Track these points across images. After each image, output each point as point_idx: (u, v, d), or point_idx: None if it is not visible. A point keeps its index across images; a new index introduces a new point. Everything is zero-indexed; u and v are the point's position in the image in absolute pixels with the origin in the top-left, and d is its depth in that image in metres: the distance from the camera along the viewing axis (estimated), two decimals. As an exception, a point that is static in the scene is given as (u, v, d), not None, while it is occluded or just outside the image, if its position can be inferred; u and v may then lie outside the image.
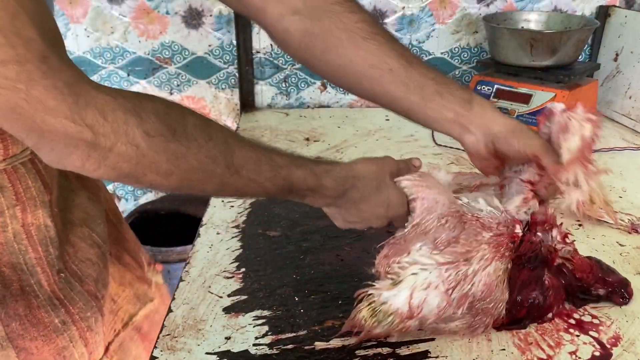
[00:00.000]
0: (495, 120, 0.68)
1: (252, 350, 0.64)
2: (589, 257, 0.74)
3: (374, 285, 0.62)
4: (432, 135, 1.27)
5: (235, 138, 0.56)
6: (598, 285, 0.71)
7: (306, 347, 0.65)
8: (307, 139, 1.29)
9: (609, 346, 0.65)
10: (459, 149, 1.09)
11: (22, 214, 0.64)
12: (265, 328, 0.68)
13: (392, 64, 0.67)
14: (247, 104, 1.49)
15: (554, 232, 0.68)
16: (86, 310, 0.70)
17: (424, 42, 1.49)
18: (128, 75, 1.46)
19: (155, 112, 0.49)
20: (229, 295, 0.74)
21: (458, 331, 0.65)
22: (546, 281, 0.67)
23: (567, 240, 0.70)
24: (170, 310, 0.71)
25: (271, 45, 1.47)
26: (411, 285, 0.61)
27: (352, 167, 0.63)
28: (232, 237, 0.88)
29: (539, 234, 0.67)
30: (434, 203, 0.64)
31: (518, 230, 0.65)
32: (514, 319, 0.66)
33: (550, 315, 0.68)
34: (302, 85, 1.52)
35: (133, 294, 0.83)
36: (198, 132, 0.52)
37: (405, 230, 0.64)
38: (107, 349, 0.75)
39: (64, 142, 0.46)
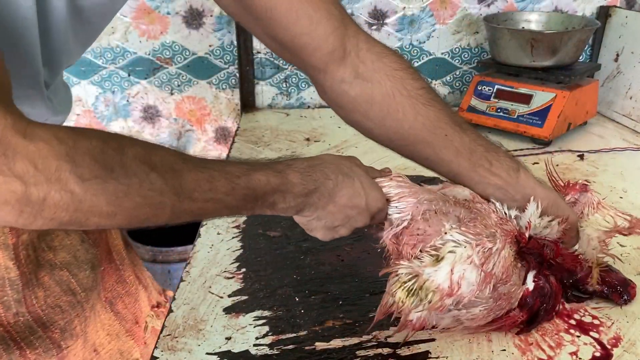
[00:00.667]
0: (537, 191, 0.69)
1: (253, 351, 0.64)
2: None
3: (405, 265, 0.62)
4: (433, 136, 1.26)
5: (182, 162, 0.52)
6: (589, 280, 0.71)
7: (307, 348, 0.65)
8: (308, 139, 1.29)
9: (609, 347, 0.65)
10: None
11: None
12: (266, 328, 0.68)
13: (447, 130, 0.69)
14: (248, 104, 1.49)
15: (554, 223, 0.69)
16: (44, 358, 0.68)
17: (424, 42, 1.49)
18: (129, 75, 1.46)
19: (90, 153, 0.46)
20: (229, 296, 0.74)
21: (479, 317, 0.64)
22: (547, 273, 0.67)
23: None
24: (170, 311, 0.71)
25: (272, 45, 1.47)
26: (452, 261, 0.61)
27: (316, 156, 0.61)
28: (233, 237, 0.88)
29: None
30: (434, 197, 0.65)
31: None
32: (531, 311, 0.66)
33: (558, 307, 0.68)
34: (303, 86, 1.52)
35: (118, 348, 0.79)
36: (138, 165, 0.48)
37: (402, 215, 0.65)
38: None
39: None
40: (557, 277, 0.68)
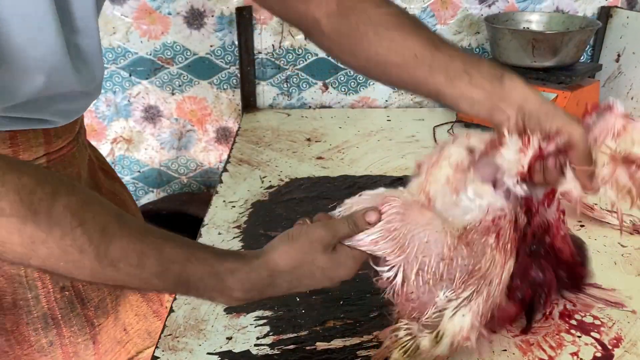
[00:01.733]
0: (529, 99, 0.64)
1: (254, 351, 0.64)
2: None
3: (405, 326, 0.60)
4: (434, 136, 1.27)
5: (118, 226, 0.49)
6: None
7: (307, 348, 0.65)
8: (309, 140, 1.29)
9: (610, 347, 0.65)
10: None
11: None
12: (267, 328, 0.68)
13: (416, 50, 0.67)
14: (249, 104, 1.49)
15: (553, 208, 0.66)
16: (78, 336, 0.69)
17: (425, 42, 1.49)
18: (130, 75, 1.46)
19: (17, 190, 0.44)
20: (230, 296, 0.74)
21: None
22: (541, 260, 0.65)
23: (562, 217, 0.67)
24: (172, 311, 0.71)
25: (272, 45, 1.47)
26: (452, 334, 0.59)
27: (267, 262, 0.55)
28: (234, 238, 0.88)
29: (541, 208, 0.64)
30: (424, 247, 0.58)
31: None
32: (523, 302, 0.64)
33: (554, 296, 0.67)
34: (304, 86, 1.52)
35: (145, 329, 0.81)
36: (66, 216, 0.45)
37: (392, 273, 0.60)
38: None
39: None
40: (552, 267, 0.67)
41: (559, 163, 0.61)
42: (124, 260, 0.48)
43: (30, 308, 0.65)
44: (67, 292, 0.67)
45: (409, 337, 0.59)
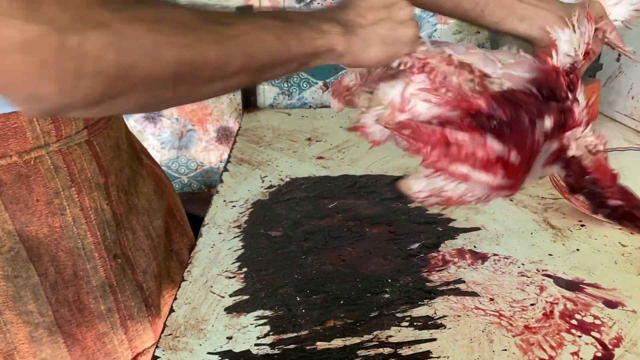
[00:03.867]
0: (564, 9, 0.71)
1: (254, 350, 0.65)
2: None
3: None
4: (434, 136, 1.26)
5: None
6: (616, 195, 0.67)
7: (308, 347, 0.65)
8: (309, 139, 1.29)
9: (611, 347, 0.65)
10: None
11: (78, 196, 0.65)
12: (267, 328, 0.68)
13: None
14: (249, 103, 1.49)
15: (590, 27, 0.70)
16: (131, 300, 0.72)
17: (426, 42, 1.49)
18: (130, 75, 1.46)
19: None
20: (230, 295, 0.74)
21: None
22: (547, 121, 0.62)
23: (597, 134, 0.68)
24: (172, 310, 0.71)
25: (273, 45, 1.47)
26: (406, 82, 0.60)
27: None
28: (234, 237, 0.88)
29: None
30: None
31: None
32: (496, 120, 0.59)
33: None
34: (304, 85, 1.52)
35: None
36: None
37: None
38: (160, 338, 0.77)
39: (26, 61, 0.35)
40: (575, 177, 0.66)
41: (602, 33, 0.74)
42: (238, 18, 0.46)
43: (90, 278, 0.68)
44: (119, 260, 0.70)
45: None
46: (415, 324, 0.68)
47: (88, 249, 0.67)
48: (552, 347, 0.65)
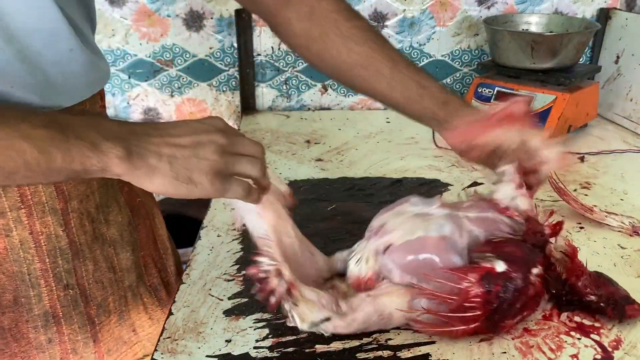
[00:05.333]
0: (472, 114, 0.75)
1: (253, 353, 0.64)
2: (596, 273, 0.71)
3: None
4: (433, 137, 1.27)
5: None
6: (589, 292, 0.68)
7: (307, 350, 0.65)
8: (308, 142, 1.29)
9: (610, 349, 0.65)
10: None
11: (27, 219, 0.62)
12: (266, 331, 0.68)
13: (379, 66, 0.75)
14: (248, 106, 1.49)
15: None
16: (78, 333, 0.69)
17: (424, 44, 1.49)
18: (129, 77, 1.46)
19: None
20: (229, 298, 0.74)
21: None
22: (531, 276, 0.64)
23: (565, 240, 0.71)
24: (170, 313, 0.71)
25: (272, 47, 1.47)
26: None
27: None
28: (233, 240, 0.87)
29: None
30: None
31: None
32: (488, 301, 0.62)
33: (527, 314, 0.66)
34: (303, 88, 1.52)
35: (157, 333, 0.79)
36: None
37: None
38: None
39: None
40: (550, 279, 0.67)
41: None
42: None
43: (32, 306, 0.64)
44: (71, 291, 0.67)
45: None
46: (414, 326, 0.68)
47: (34, 275, 0.63)
48: (551, 349, 0.65)
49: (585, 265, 0.70)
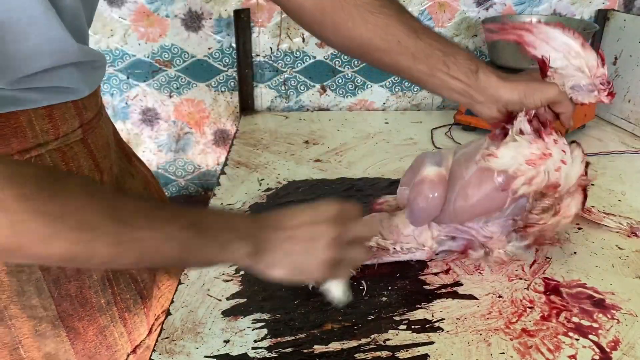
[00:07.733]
0: (503, 89, 0.70)
1: (251, 354, 0.64)
2: None
3: None
4: (432, 139, 1.27)
5: (121, 195, 0.52)
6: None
7: (305, 351, 0.65)
8: (307, 142, 1.29)
9: (608, 350, 0.65)
10: (458, 152, 1.09)
11: None
12: (264, 331, 0.68)
13: (399, 36, 0.70)
14: (247, 106, 1.49)
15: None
16: (126, 292, 0.74)
17: (423, 45, 1.49)
18: (128, 78, 1.46)
19: (35, 175, 0.45)
20: (227, 299, 0.74)
21: None
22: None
23: None
24: (169, 313, 0.71)
25: (270, 48, 1.47)
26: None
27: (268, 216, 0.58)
28: (231, 240, 0.87)
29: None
30: None
31: None
32: None
33: None
34: (302, 89, 1.52)
35: (174, 284, 0.85)
36: (81, 189, 0.47)
37: None
38: (150, 331, 0.78)
39: None
40: None
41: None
42: (137, 216, 0.48)
43: (91, 272, 0.69)
44: None
45: None
46: (413, 327, 0.68)
47: None
48: (549, 350, 0.65)
49: None
